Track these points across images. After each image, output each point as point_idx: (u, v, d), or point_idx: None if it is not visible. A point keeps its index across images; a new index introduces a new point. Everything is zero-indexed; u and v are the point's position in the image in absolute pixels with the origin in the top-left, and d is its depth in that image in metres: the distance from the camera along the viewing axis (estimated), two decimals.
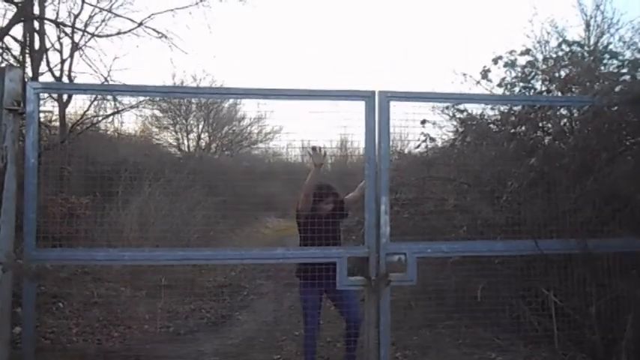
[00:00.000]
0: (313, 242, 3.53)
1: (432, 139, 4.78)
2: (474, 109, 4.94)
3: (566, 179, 3.65)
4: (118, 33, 9.31)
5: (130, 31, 9.38)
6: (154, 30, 9.55)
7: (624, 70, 3.97)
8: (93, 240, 5.08)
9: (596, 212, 3.52)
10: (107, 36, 9.32)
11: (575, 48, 4.49)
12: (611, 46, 4.79)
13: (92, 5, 9.28)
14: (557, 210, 3.58)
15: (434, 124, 4.61)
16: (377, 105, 3.40)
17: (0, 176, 2.74)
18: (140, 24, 9.40)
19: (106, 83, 8.93)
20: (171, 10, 9.62)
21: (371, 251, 3.37)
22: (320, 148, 3.71)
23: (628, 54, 4.61)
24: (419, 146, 4.56)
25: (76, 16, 9.27)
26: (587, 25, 5.73)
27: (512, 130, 4.54)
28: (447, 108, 4.89)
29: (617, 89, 3.56)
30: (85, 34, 9.19)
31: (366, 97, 3.43)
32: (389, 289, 3.38)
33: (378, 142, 3.41)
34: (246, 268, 7.39)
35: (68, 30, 8.99)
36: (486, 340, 3.98)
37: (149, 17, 9.57)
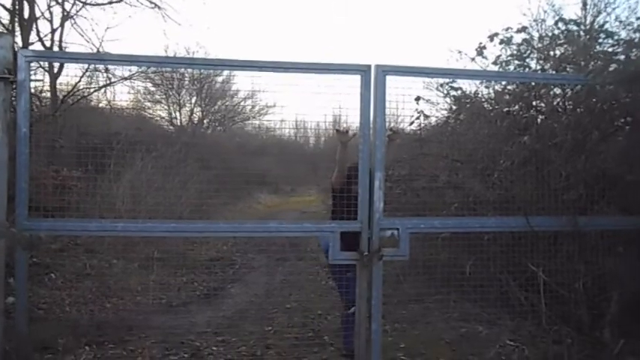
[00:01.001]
0: (342, 217, 3.53)
1: (426, 117, 4.78)
2: (468, 87, 4.93)
3: (557, 158, 3.68)
4: (110, 2, 9.14)
5: (122, 0, 9.21)
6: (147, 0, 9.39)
7: (619, 50, 3.96)
8: (84, 212, 5.07)
9: (587, 190, 3.56)
10: (99, 5, 9.13)
11: (571, 26, 4.47)
12: (607, 26, 4.78)
13: None
14: (549, 188, 3.62)
15: (427, 101, 4.60)
16: (373, 79, 3.39)
17: None
18: None
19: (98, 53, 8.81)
20: None
21: (363, 226, 3.40)
22: (344, 128, 3.70)
23: (623, 34, 4.59)
24: (412, 123, 4.56)
25: None
26: (584, 3, 5.70)
27: (506, 109, 4.55)
28: (442, 85, 4.88)
29: (611, 69, 3.56)
30: (77, 2, 8.99)
31: (362, 70, 3.40)
32: (381, 264, 3.42)
33: (373, 117, 3.41)
34: (238, 242, 7.42)
35: None
36: (474, 314, 4.06)
37: None
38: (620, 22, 4.64)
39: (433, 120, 5.11)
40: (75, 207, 5.18)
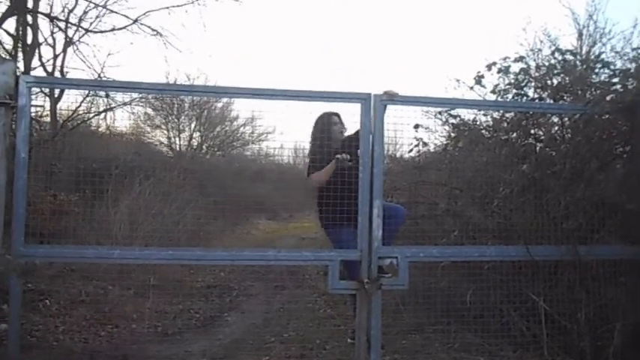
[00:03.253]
0: (334, 222, 3.57)
1: (425, 144, 4.80)
2: (467, 114, 4.96)
3: (556, 186, 3.68)
4: (113, 29, 9.25)
5: (124, 27, 9.32)
6: (149, 27, 9.50)
7: (615, 80, 4.00)
8: (81, 238, 5.03)
9: (587, 219, 3.54)
10: (101, 32, 9.24)
11: (568, 56, 4.52)
12: (603, 56, 4.83)
13: (87, 0, 9.19)
14: (548, 216, 3.61)
15: (426, 128, 4.63)
16: (372, 108, 3.41)
17: None
18: (135, 21, 9.34)
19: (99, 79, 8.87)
20: (167, 7, 9.57)
21: (363, 254, 3.38)
22: (343, 157, 3.67)
23: (619, 63, 4.65)
24: (411, 150, 4.57)
25: (70, 11, 9.19)
26: (580, 34, 5.79)
27: (505, 137, 4.57)
28: (440, 113, 4.91)
29: (608, 98, 3.60)
30: (79, 29, 9.10)
31: (362, 99, 3.44)
32: (380, 293, 3.39)
33: (371, 145, 3.43)
34: (235, 269, 7.35)
35: (62, 25, 8.92)
36: (475, 344, 3.99)
37: (145, 14, 9.53)
38: (616, 52, 4.71)
39: (432, 147, 5.14)
40: (72, 232, 5.15)
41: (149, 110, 15.93)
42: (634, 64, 4.11)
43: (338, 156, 3.68)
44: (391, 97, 3.52)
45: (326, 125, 3.94)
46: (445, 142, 5.33)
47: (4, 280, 2.89)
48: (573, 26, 5.84)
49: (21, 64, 7.96)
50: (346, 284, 3.41)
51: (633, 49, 4.44)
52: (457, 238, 3.98)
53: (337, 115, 3.97)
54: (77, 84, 3.50)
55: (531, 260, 3.51)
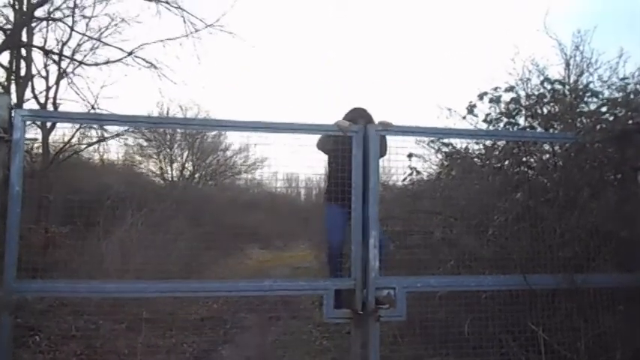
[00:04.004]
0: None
1: (418, 172, 4.83)
2: (459, 143, 5.01)
3: (551, 214, 3.70)
4: (107, 62, 9.31)
5: (119, 60, 9.40)
6: (143, 59, 9.58)
7: (604, 109, 4.07)
8: (72, 271, 4.95)
9: (582, 247, 3.55)
10: (96, 64, 9.30)
11: (556, 86, 4.61)
12: (591, 85, 4.93)
13: (81, 34, 9.28)
14: (544, 244, 3.62)
15: (420, 157, 4.66)
16: (365, 138, 3.45)
17: None
18: (130, 53, 9.42)
19: (93, 111, 8.89)
20: (162, 40, 9.68)
21: (357, 283, 3.37)
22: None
23: (607, 92, 4.74)
24: (405, 179, 4.59)
25: (64, 44, 9.27)
26: (567, 64, 5.88)
27: (497, 165, 4.61)
28: (432, 142, 4.95)
29: (598, 127, 3.66)
30: (73, 62, 9.15)
31: (354, 132, 3.47)
32: (378, 325, 3.35)
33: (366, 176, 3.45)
34: (228, 301, 7.25)
35: (55, 57, 8.97)
36: None
37: (139, 47, 9.63)
38: (604, 81, 4.80)
39: (425, 175, 5.17)
40: (63, 266, 5.07)
41: (141, 141, 15.94)
42: (622, 93, 4.19)
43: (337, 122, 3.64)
44: (386, 128, 3.57)
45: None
46: (438, 171, 5.37)
47: None
48: (560, 56, 5.95)
49: (14, 96, 7.97)
50: (341, 313, 3.39)
51: (621, 79, 4.53)
52: (453, 267, 3.96)
53: (365, 117, 3.98)
54: (72, 117, 3.51)
55: (528, 289, 3.50)
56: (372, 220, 3.41)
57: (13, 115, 2.86)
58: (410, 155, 4.25)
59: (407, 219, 4.78)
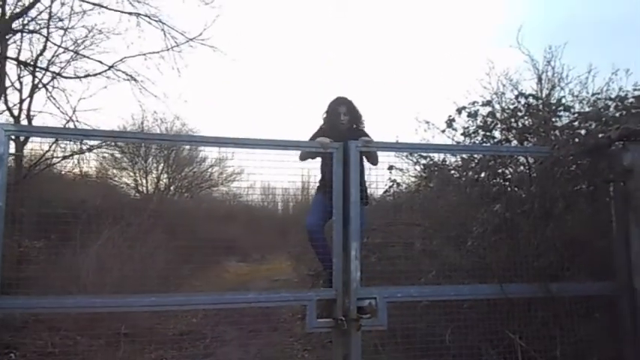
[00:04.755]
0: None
1: (398, 185, 4.92)
2: (437, 155, 5.12)
3: (527, 225, 3.81)
4: (87, 75, 9.18)
5: (99, 73, 9.28)
6: (124, 72, 9.49)
7: (576, 123, 4.23)
8: (47, 286, 4.85)
9: (557, 257, 3.66)
10: (76, 77, 9.15)
11: (530, 100, 4.76)
12: (563, 100, 5.12)
13: (57, 45, 9.14)
14: (521, 255, 3.72)
15: (400, 170, 4.75)
16: (346, 155, 3.53)
17: None
18: (111, 67, 9.32)
19: (71, 123, 8.77)
20: (144, 54, 9.61)
21: (338, 293, 3.43)
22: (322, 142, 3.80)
23: (578, 106, 4.92)
24: (386, 191, 4.67)
25: (38, 55, 9.08)
26: (539, 78, 6.11)
27: (475, 177, 4.72)
28: (411, 154, 5.05)
29: (572, 142, 3.80)
30: (53, 75, 9.00)
31: (335, 148, 3.58)
32: (360, 334, 3.40)
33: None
34: (207, 315, 7.19)
35: (30, 69, 8.81)
36: None
37: (121, 60, 9.53)
38: (575, 96, 4.99)
39: (404, 187, 5.26)
40: (40, 281, 4.96)
41: (116, 152, 15.70)
42: (592, 108, 4.36)
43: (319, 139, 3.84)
44: (366, 145, 3.67)
45: (332, 114, 4.29)
46: (417, 182, 5.47)
47: None
48: (533, 71, 6.17)
49: None
50: (324, 323, 3.46)
51: (592, 95, 4.72)
52: (434, 277, 4.04)
53: (347, 104, 4.30)
54: (57, 132, 3.49)
55: (506, 298, 3.59)
56: (352, 232, 3.47)
57: None
58: (390, 167, 4.34)
59: (387, 230, 4.85)
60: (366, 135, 4.07)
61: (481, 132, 4.77)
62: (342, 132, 4.13)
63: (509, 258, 3.72)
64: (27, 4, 8.58)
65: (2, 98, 8.44)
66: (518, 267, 3.68)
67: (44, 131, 3.53)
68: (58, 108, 9.09)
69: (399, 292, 3.62)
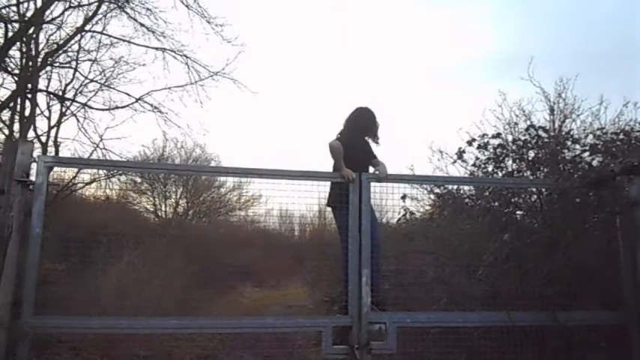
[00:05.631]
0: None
1: (412, 213, 5.05)
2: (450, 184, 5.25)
3: (536, 254, 3.91)
4: (115, 107, 9.57)
5: (127, 106, 9.66)
6: (150, 105, 9.86)
7: (584, 155, 4.34)
8: (67, 308, 5.01)
9: (566, 286, 3.74)
10: (107, 109, 9.54)
11: (541, 133, 4.89)
12: (573, 131, 5.25)
13: (85, 77, 9.53)
14: (529, 283, 3.81)
15: (412, 199, 4.89)
16: (360, 186, 3.71)
17: (4, 244, 2.85)
18: (138, 99, 9.70)
19: (98, 150, 9.10)
20: (169, 88, 10.01)
21: (354, 321, 3.56)
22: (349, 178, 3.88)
23: (590, 137, 5.01)
24: (399, 220, 4.80)
25: (67, 85, 9.46)
26: (552, 110, 6.21)
27: (487, 206, 4.83)
28: (421, 185, 5.18)
29: (576, 175, 3.93)
30: (82, 105, 9.38)
31: (354, 178, 3.77)
32: (371, 357, 3.52)
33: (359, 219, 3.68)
34: (224, 339, 7.28)
35: (60, 99, 9.19)
36: None
37: (147, 94, 9.90)
38: (584, 129, 5.12)
39: (418, 215, 5.39)
40: (58, 302, 5.12)
41: (136, 177, 16.02)
42: (600, 141, 4.48)
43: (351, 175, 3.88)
44: (378, 178, 3.86)
45: (372, 121, 4.47)
46: (430, 211, 5.59)
47: (14, 350, 2.94)
48: (545, 103, 6.29)
49: (17, 135, 8.16)
50: (339, 349, 3.58)
51: (599, 129, 4.84)
52: (446, 304, 4.13)
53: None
54: (93, 164, 3.73)
55: (518, 326, 3.67)
56: (364, 259, 3.62)
57: (36, 161, 3.07)
58: (404, 197, 4.48)
59: (401, 258, 4.96)
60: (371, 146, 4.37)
61: (492, 163, 4.89)
62: (364, 144, 4.36)
63: (518, 287, 3.80)
64: (57, 39, 9.03)
65: (32, 126, 8.80)
66: (528, 295, 3.77)
67: (80, 162, 3.78)
68: (89, 138, 9.46)
69: (408, 318, 3.76)
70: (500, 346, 3.83)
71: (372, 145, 4.53)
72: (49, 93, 9.07)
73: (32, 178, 3.12)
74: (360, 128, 4.44)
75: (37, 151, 5.60)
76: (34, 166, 3.10)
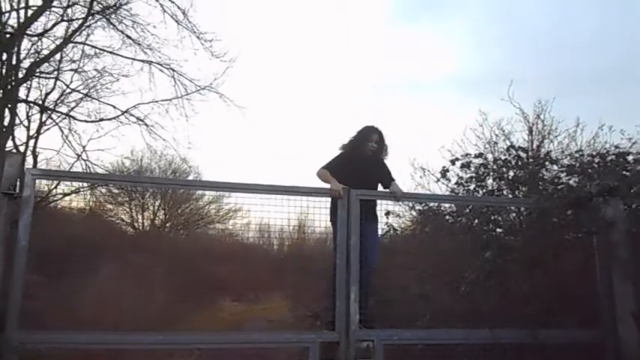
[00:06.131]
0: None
1: (395, 229, 5.13)
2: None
3: (516, 272, 4.01)
4: (101, 120, 9.48)
5: (113, 118, 9.60)
6: (135, 117, 9.81)
7: (562, 175, 4.49)
8: (43, 322, 4.91)
9: (545, 304, 3.84)
10: (91, 122, 9.46)
11: (520, 153, 5.04)
12: (551, 152, 5.41)
13: (67, 85, 9.44)
14: (510, 301, 3.90)
15: (397, 216, 4.98)
16: (348, 202, 3.76)
17: None
18: (124, 112, 9.65)
19: (80, 160, 9.00)
20: (156, 101, 10.00)
21: (341, 337, 3.58)
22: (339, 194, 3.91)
23: (567, 159, 5.18)
24: (383, 235, 4.86)
25: (47, 94, 9.34)
26: (530, 130, 6.40)
27: (468, 223, 4.93)
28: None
29: (555, 195, 4.06)
30: (66, 116, 9.27)
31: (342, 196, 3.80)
32: None
33: (347, 235, 3.73)
34: (202, 355, 7.19)
35: (39, 108, 9.09)
36: None
37: (134, 107, 9.88)
38: (562, 150, 5.29)
39: (400, 231, 5.46)
40: (34, 316, 5.01)
41: (114, 189, 15.79)
42: (578, 162, 4.63)
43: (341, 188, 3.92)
44: (364, 196, 3.92)
45: (362, 139, 4.46)
46: (412, 227, 5.67)
47: None
48: (524, 123, 6.48)
49: None
50: None
51: (576, 151, 5.01)
52: (430, 321, 4.19)
53: (379, 133, 4.48)
54: (81, 177, 3.72)
55: (499, 343, 3.74)
56: (352, 276, 3.66)
57: (24, 173, 3.05)
58: (387, 213, 4.55)
59: (384, 274, 5.01)
60: (387, 168, 4.41)
61: (475, 182, 5.01)
62: (364, 159, 4.38)
63: (500, 304, 3.89)
64: (40, 48, 8.94)
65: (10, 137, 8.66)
66: (509, 313, 3.86)
67: (69, 176, 3.75)
68: (73, 150, 9.34)
69: (395, 335, 3.80)
70: None
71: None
72: (28, 102, 8.95)
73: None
74: (353, 148, 4.52)
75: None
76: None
